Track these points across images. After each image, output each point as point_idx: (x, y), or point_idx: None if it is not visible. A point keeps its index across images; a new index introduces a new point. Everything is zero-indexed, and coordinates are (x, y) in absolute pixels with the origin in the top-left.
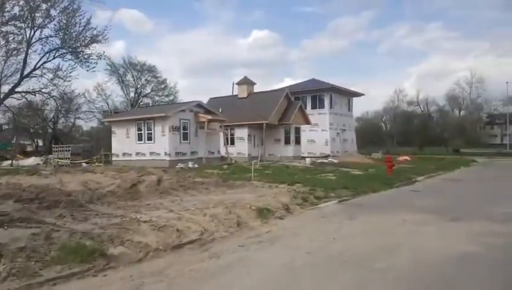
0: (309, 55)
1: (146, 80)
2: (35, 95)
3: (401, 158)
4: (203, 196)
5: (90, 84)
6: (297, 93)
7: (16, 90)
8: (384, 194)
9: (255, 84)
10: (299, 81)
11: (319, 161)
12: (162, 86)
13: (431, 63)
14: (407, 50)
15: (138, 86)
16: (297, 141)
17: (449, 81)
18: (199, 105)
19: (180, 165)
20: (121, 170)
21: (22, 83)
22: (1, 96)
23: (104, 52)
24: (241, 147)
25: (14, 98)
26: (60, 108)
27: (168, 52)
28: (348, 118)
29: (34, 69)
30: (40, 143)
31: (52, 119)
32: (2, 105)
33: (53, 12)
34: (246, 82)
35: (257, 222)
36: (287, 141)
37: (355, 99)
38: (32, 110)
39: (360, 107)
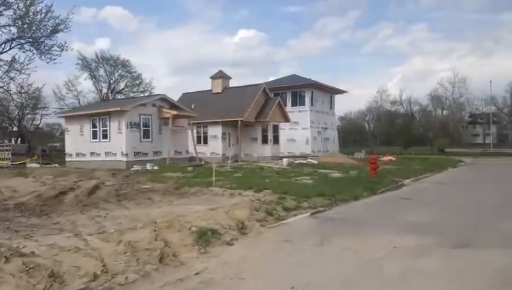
0: (295, 55)
1: (120, 75)
2: None
3: (385, 158)
4: (139, 210)
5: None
6: (277, 90)
7: None
8: (367, 202)
9: (231, 78)
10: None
11: (297, 161)
12: (137, 82)
13: (414, 64)
14: (391, 51)
15: (111, 81)
16: (276, 140)
17: (432, 81)
18: (163, 99)
19: (136, 167)
20: (63, 173)
21: None
22: None
23: (65, 42)
24: (215, 147)
25: None
26: (25, 104)
27: (154, 50)
28: (330, 116)
29: None
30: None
31: (17, 117)
32: None
33: None
34: (221, 76)
35: (192, 253)
36: (265, 140)
37: (338, 98)
38: None
39: (344, 107)
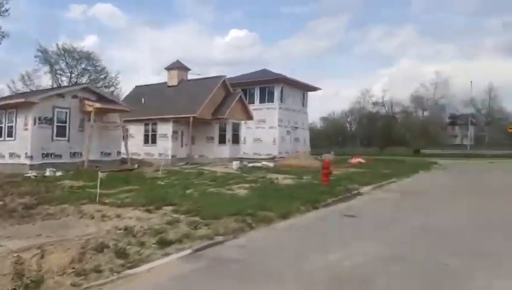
0: (286, 55)
1: (84, 68)
2: None
3: (353, 160)
4: None
5: None
6: (245, 85)
7: None
8: (296, 223)
9: (189, 70)
10: None
11: (251, 164)
12: (102, 76)
13: (401, 66)
14: (381, 52)
15: (73, 75)
16: (236, 140)
17: (418, 83)
18: (88, 89)
19: (32, 172)
20: None
21: None
22: None
23: (0, 27)
24: (164, 147)
25: None
26: None
27: (142, 49)
28: (302, 115)
29: None
30: None
31: None
32: None
33: None
34: (177, 67)
35: None
36: (222, 140)
37: (323, 99)
38: None
39: (329, 108)
